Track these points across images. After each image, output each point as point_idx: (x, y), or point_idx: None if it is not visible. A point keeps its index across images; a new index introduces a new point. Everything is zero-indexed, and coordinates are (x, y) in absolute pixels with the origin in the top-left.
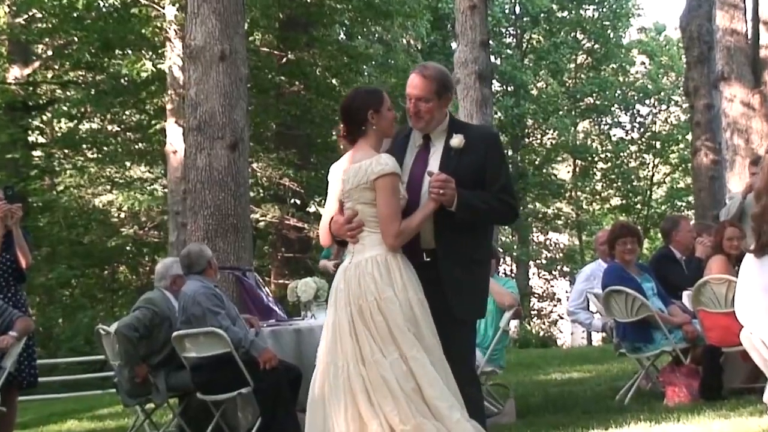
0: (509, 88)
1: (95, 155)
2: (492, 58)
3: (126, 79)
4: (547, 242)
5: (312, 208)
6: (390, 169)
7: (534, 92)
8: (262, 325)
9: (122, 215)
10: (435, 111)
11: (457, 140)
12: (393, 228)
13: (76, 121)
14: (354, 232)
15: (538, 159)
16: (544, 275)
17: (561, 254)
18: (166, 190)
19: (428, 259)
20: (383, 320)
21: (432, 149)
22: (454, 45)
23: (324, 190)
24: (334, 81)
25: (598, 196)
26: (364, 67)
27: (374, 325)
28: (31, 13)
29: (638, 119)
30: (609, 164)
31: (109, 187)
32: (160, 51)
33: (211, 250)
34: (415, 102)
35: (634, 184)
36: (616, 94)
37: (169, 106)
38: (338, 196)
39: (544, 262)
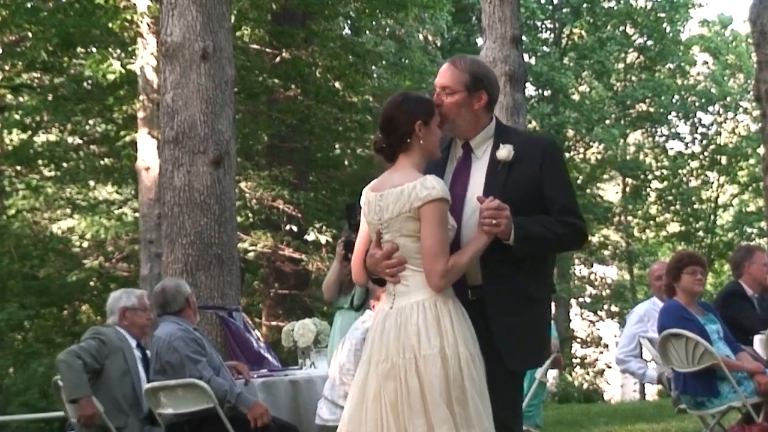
0: (546, 93)
1: (53, 173)
2: (525, 56)
3: (89, 82)
4: (592, 277)
5: (311, 236)
6: (438, 194)
7: (575, 97)
8: (252, 375)
9: (85, 244)
10: (462, 108)
11: (504, 151)
12: (438, 265)
13: (30, 132)
14: (394, 270)
15: (581, 177)
16: (588, 316)
17: (608, 291)
18: (137, 214)
19: (474, 299)
20: (417, 384)
21: (474, 163)
22: (480, 41)
23: (324, 215)
24: (336, 84)
25: (652, 222)
26: (373, 67)
27: (406, 390)
28: None
29: (700, 129)
30: (665, 183)
31: (69, 211)
32: (130, 49)
33: (190, 285)
34: (438, 93)
35: (696, 207)
36: (674, 100)
37: (140, 115)
38: (374, 224)
39: (588, 300)
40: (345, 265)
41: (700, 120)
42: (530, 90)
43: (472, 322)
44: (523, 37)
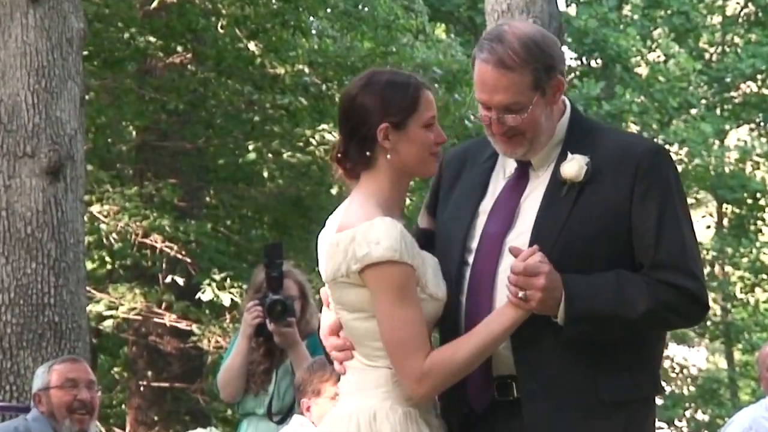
0: (594, 63)
1: None
2: (561, 4)
3: None
4: (667, 364)
5: (206, 294)
6: (379, 255)
7: (641, 71)
8: None
9: None
10: (542, 116)
11: (573, 166)
12: (412, 365)
13: None
14: (340, 356)
15: None
16: (661, 427)
17: (693, 388)
18: None
19: (503, 399)
20: None
21: (531, 182)
22: None
23: (229, 259)
24: (252, 46)
25: (765, 276)
26: (312, 19)
27: None
28: None
29: None
30: None
31: None
32: None
33: (9, 373)
34: (499, 116)
35: None
36: None
37: None
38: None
39: (660, 401)
40: (256, 344)
41: None
42: (569, 58)
43: None
44: None
